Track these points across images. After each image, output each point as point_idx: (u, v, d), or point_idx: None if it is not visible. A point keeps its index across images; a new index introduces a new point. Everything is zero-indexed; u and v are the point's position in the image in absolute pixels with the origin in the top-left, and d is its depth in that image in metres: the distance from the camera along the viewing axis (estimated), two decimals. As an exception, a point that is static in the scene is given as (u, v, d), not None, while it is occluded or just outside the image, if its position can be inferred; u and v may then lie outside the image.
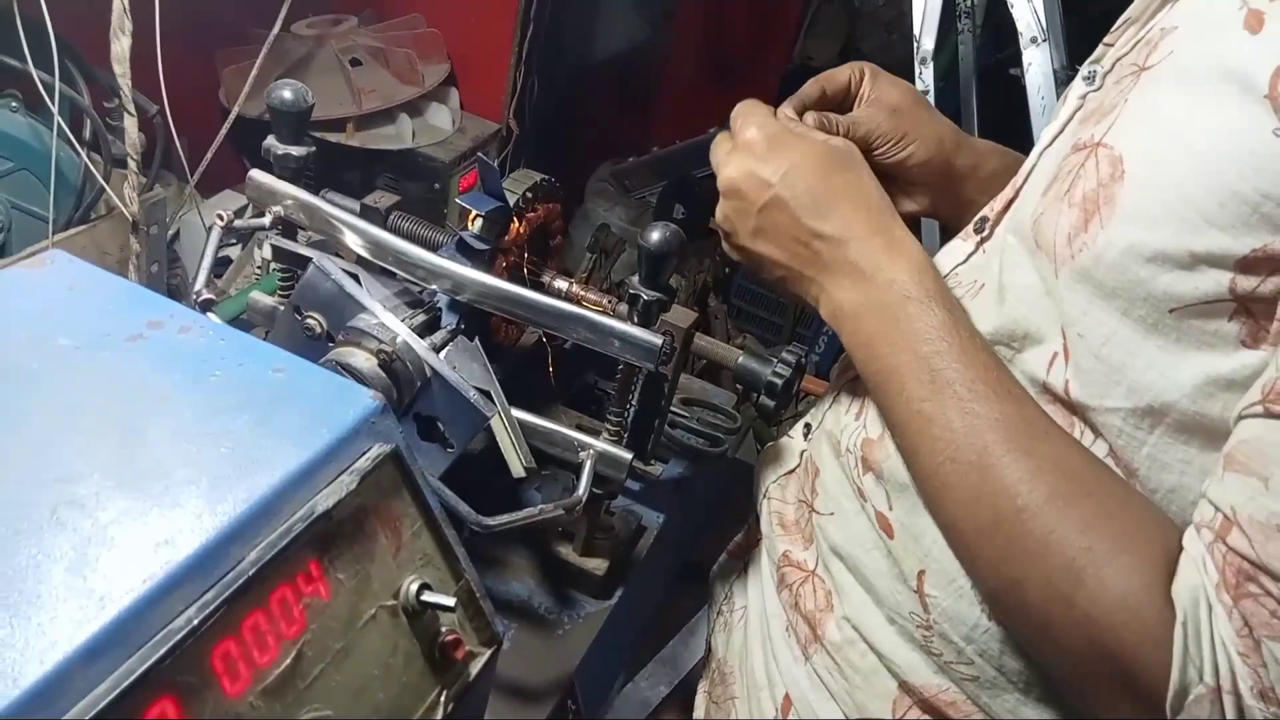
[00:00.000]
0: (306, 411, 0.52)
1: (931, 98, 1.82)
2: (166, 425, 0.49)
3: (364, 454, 0.51)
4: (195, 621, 0.41)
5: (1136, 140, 0.54)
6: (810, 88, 0.79)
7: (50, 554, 0.41)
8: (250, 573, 0.44)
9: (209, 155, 1.24)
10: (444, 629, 0.53)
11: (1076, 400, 0.57)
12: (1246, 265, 0.48)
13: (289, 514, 0.47)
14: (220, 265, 1.34)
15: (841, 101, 0.80)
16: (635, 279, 0.78)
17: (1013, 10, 1.65)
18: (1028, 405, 0.57)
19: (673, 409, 1.15)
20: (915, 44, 1.83)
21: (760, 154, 0.67)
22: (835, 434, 0.76)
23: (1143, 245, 0.51)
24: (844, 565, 0.73)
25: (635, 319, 0.78)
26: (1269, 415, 0.46)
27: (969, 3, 1.96)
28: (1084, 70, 0.65)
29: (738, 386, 1.26)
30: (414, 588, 0.51)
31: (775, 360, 0.88)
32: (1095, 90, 0.63)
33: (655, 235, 0.76)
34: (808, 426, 0.84)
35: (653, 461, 0.88)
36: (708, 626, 0.96)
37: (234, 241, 1.36)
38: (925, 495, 0.62)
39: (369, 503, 0.51)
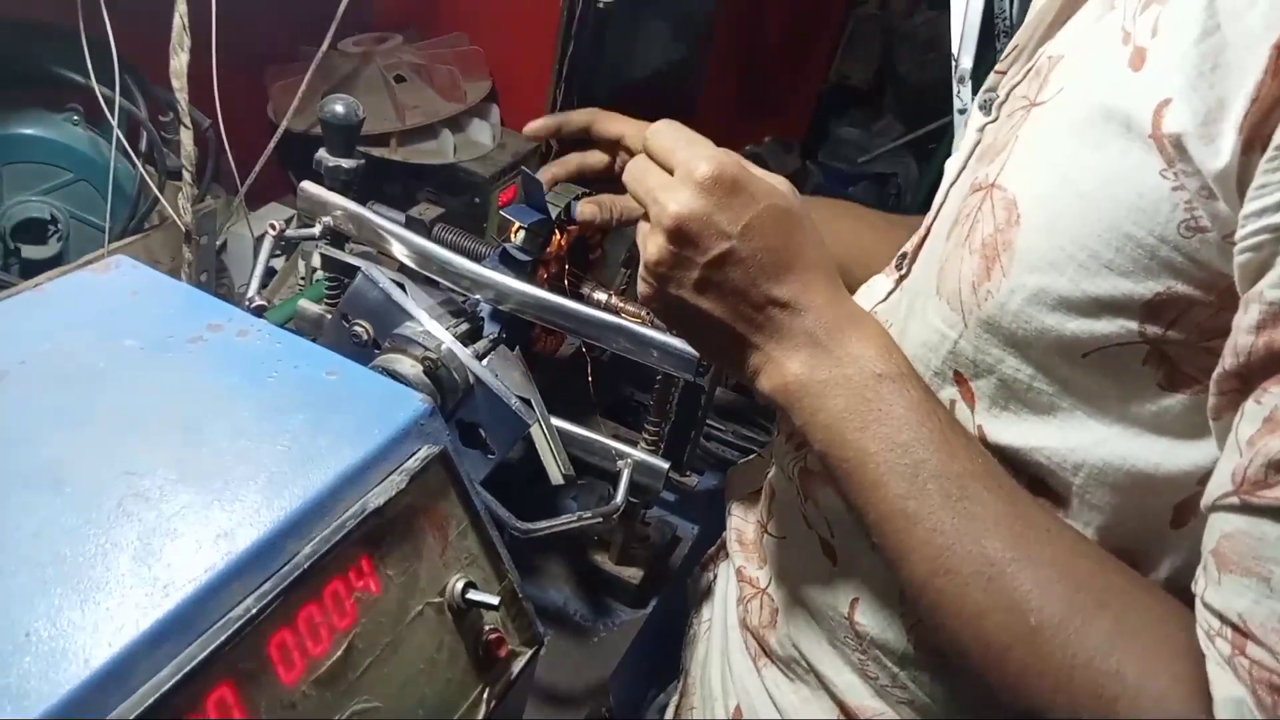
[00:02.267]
0: (359, 413, 0.53)
1: (970, 117, 1.82)
2: (226, 423, 0.51)
3: (413, 455, 0.53)
4: (253, 611, 0.43)
5: (1029, 183, 0.52)
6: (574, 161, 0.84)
7: (117, 543, 0.43)
8: (305, 566, 0.45)
9: (257, 168, 1.27)
10: (487, 627, 0.54)
11: (996, 444, 0.55)
12: (1152, 310, 0.47)
13: (342, 510, 0.49)
14: (265, 276, 1.37)
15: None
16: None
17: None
18: (1021, 499, 0.52)
19: (710, 422, 1.16)
20: (954, 62, 1.83)
21: (720, 198, 0.55)
22: (780, 461, 0.77)
23: (1045, 293, 0.50)
24: (788, 587, 0.73)
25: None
26: (1248, 509, 0.42)
27: (1008, 21, 1.97)
28: (979, 99, 0.62)
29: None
30: (459, 586, 0.52)
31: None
32: (992, 122, 0.60)
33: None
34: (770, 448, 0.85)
35: (688, 473, 0.89)
36: (685, 634, 0.96)
37: (279, 253, 1.39)
38: (918, 605, 0.54)
39: (418, 502, 0.52)
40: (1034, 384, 0.52)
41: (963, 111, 1.94)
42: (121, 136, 0.96)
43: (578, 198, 0.92)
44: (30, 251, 0.98)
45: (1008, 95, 0.58)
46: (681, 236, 0.56)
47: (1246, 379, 0.43)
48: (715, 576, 0.90)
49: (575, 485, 0.96)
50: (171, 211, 0.99)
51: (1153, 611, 0.48)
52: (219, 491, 0.47)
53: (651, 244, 0.57)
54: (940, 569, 0.50)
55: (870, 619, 0.64)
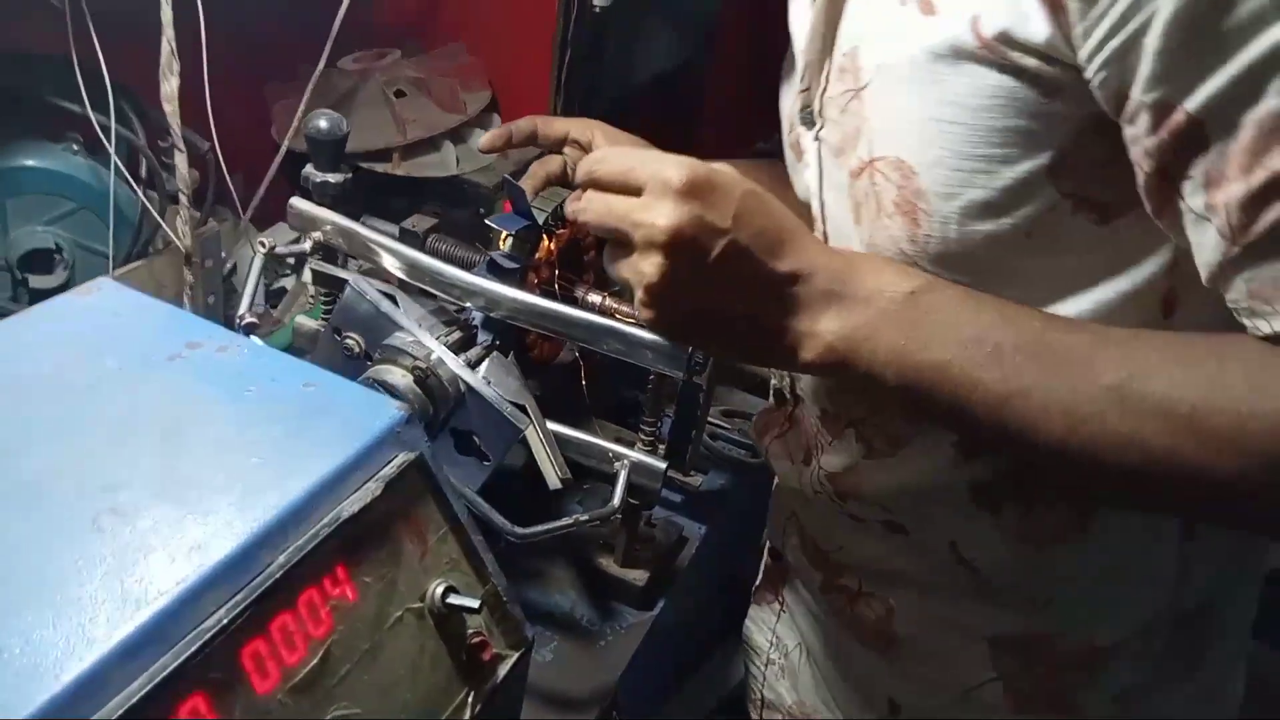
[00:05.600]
0: (335, 423, 0.54)
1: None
2: (202, 437, 0.51)
3: (389, 462, 0.53)
4: (225, 621, 0.43)
5: (903, 139, 0.58)
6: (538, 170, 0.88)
7: (91, 559, 0.44)
8: (277, 575, 0.46)
9: (261, 189, 1.29)
10: (471, 631, 0.54)
11: None
12: (1055, 171, 0.54)
13: (317, 520, 0.49)
14: (276, 296, 1.39)
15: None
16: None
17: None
18: (1089, 325, 0.56)
19: (715, 421, 1.16)
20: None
21: (704, 198, 0.55)
22: (794, 485, 0.79)
23: (970, 207, 0.56)
24: (881, 576, 0.75)
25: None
26: (1252, 250, 0.47)
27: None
28: (799, 118, 0.69)
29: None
30: (439, 591, 0.53)
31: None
32: (822, 129, 0.66)
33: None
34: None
35: (693, 473, 0.89)
36: (755, 684, 0.96)
37: (289, 272, 1.41)
38: (1071, 469, 0.55)
39: (395, 508, 0.53)
40: (1003, 295, 0.56)
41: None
42: (120, 164, 0.97)
43: (565, 203, 0.92)
44: (37, 281, 1.00)
45: (822, 102, 0.65)
46: (680, 247, 0.55)
47: (1167, 171, 0.49)
48: (784, 604, 0.91)
49: (579, 490, 0.96)
50: (172, 235, 1.00)
51: (1233, 341, 0.50)
52: (194, 504, 0.47)
53: (648, 266, 0.56)
54: (1076, 421, 0.51)
55: (975, 547, 0.68)
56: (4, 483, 0.47)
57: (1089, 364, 0.51)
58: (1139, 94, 0.48)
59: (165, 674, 0.41)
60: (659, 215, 0.55)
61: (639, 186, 0.56)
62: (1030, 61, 0.52)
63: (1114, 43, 0.48)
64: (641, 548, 0.92)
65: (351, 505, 0.50)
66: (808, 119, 0.67)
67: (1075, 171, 0.55)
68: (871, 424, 0.70)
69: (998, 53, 0.52)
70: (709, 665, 1.12)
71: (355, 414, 0.55)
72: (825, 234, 0.69)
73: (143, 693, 0.40)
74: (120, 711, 0.39)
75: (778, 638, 0.92)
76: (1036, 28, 0.50)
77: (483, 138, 0.93)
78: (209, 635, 0.43)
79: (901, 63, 0.57)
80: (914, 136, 0.58)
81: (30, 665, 0.39)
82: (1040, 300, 0.57)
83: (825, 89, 0.65)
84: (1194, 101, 0.46)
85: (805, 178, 0.70)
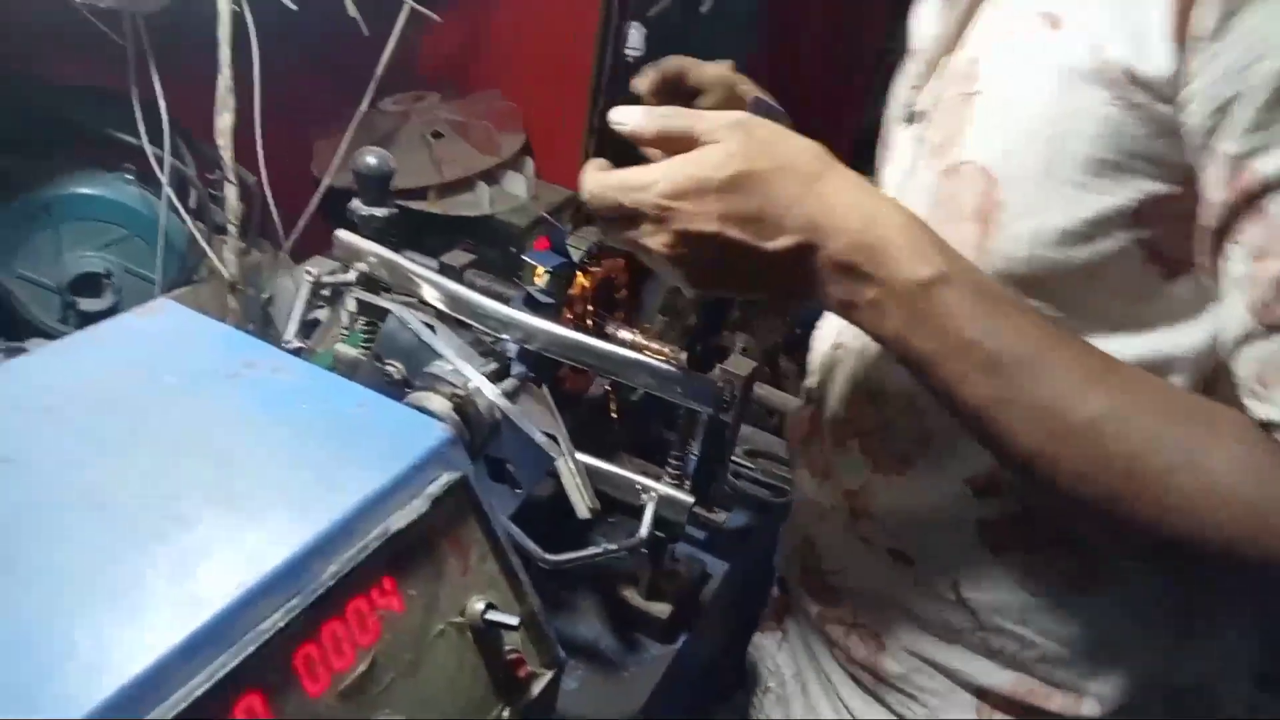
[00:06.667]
0: (384, 442, 0.56)
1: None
2: (259, 452, 0.54)
3: (435, 480, 0.55)
4: (280, 625, 0.45)
5: (995, 149, 0.60)
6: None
7: (155, 563, 0.46)
8: (329, 584, 0.47)
9: (301, 223, 1.33)
10: (508, 648, 0.56)
11: None
12: (1139, 216, 0.55)
13: (365, 533, 0.51)
14: (309, 327, 1.42)
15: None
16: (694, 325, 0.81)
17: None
18: (1098, 352, 0.54)
19: (738, 460, 1.17)
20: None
21: (688, 204, 0.55)
22: (812, 497, 0.79)
23: (1043, 231, 0.57)
24: (877, 608, 0.75)
25: (693, 366, 0.82)
26: (1273, 329, 0.47)
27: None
28: (901, 114, 0.72)
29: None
30: (480, 606, 0.54)
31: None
32: (924, 127, 0.68)
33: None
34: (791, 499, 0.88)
35: (716, 510, 0.90)
36: (752, 710, 0.96)
37: (322, 305, 1.44)
38: (1031, 474, 0.54)
39: (439, 525, 0.55)
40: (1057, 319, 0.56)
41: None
42: (171, 194, 1.01)
43: (598, 243, 0.95)
44: (87, 304, 1.03)
45: (935, 102, 0.66)
46: (679, 260, 0.57)
47: (1224, 229, 0.50)
48: (786, 633, 0.91)
49: (605, 522, 0.98)
50: (218, 263, 1.04)
51: (1230, 416, 0.50)
52: (251, 514, 0.49)
53: (655, 241, 0.57)
54: (1048, 443, 0.51)
55: (977, 589, 0.67)
56: (72, 491, 0.49)
57: (1081, 394, 0.51)
58: (1223, 143, 0.48)
59: (224, 673, 0.43)
60: (650, 239, 0.57)
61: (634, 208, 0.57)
62: (1144, 96, 0.52)
63: (1223, 85, 0.47)
64: (665, 582, 0.93)
65: (399, 520, 0.52)
66: (910, 115, 0.69)
67: (1159, 221, 0.55)
68: (876, 438, 0.71)
69: (1114, 83, 0.52)
70: (729, 705, 1.12)
71: (403, 434, 0.57)
72: None
73: (202, 690, 0.42)
74: (181, 707, 0.41)
75: (777, 665, 0.92)
76: (1159, 61, 0.50)
77: (636, 78, 0.87)
78: (265, 638, 0.44)
79: (1019, 75, 0.58)
80: (1009, 148, 0.58)
81: (98, 661, 0.41)
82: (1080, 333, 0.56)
83: (938, 89, 0.67)
84: (1271, 165, 0.46)
85: (886, 172, 0.72)
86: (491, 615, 0.54)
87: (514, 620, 0.54)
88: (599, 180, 0.59)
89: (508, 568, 0.58)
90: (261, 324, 1.24)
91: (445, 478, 0.56)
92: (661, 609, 0.92)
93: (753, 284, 0.59)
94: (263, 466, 0.53)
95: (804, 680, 0.87)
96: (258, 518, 0.49)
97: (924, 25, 0.72)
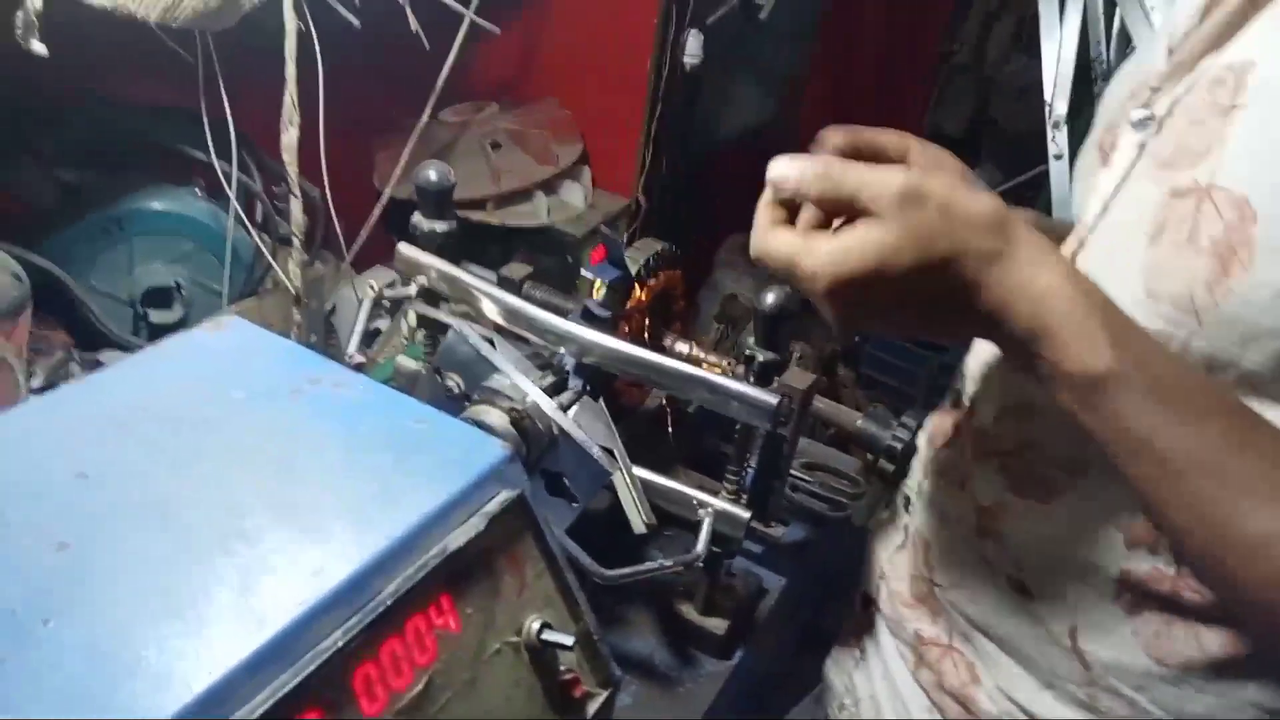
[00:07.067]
0: (443, 458, 0.56)
1: (1064, 161, 1.80)
2: (321, 467, 0.54)
3: (493, 498, 0.56)
4: (341, 644, 0.46)
5: (1260, 178, 0.53)
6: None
7: (220, 577, 0.47)
8: (389, 602, 0.48)
9: (363, 234, 1.35)
10: (563, 668, 0.56)
11: None
12: None
13: (424, 550, 0.51)
14: (370, 337, 1.44)
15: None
16: (751, 340, 0.80)
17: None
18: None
19: (796, 473, 1.16)
20: (1048, 108, 1.81)
21: (857, 288, 0.53)
22: (940, 504, 0.75)
23: None
24: (984, 635, 0.71)
25: (751, 379, 0.81)
26: None
27: (1105, 65, 1.94)
28: (1135, 116, 0.62)
29: (868, 456, 1.26)
30: (536, 626, 0.54)
31: (896, 424, 0.88)
32: (1155, 135, 0.61)
33: (771, 297, 0.79)
34: (907, 499, 0.83)
35: (774, 524, 0.89)
36: None
37: (383, 314, 1.46)
38: (1206, 579, 0.55)
39: (496, 543, 0.55)
40: (1277, 377, 0.53)
41: (1059, 157, 1.91)
42: (239, 208, 1.04)
43: (657, 254, 0.95)
44: (157, 316, 1.06)
45: (1171, 109, 0.59)
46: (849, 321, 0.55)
47: None
48: (864, 653, 0.88)
49: (661, 536, 0.98)
50: (283, 276, 1.06)
51: None
52: (313, 530, 0.50)
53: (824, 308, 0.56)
54: (1217, 546, 0.50)
55: (1098, 643, 0.63)
56: (139, 504, 0.50)
57: (1256, 508, 0.49)
58: None
59: (285, 691, 0.43)
60: (821, 307, 0.55)
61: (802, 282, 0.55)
62: None
63: None
64: (722, 597, 0.92)
65: (458, 538, 0.52)
66: (1142, 122, 0.62)
67: None
68: (1021, 458, 0.67)
69: None
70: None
71: (462, 451, 0.57)
72: (1083, 244, 0.64)
73: (265, 707, 0.42)
74: (245, 722, 0.42)
75: (852, 684, 0.91)
76: None
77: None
78: (325, 656, 0.45)
79: None
80: (1276, 178, 0.52)
81: (165, 673, 0.42)
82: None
83: (1183, 96, 0.59)
84: None
85: (1098, 180, 0.64)
86: (547, 635, 0.54)
87: (569, 640, 0.54)
88: (766, 243, 0.57)
89: (563, 586, 0.58)
90: (324, 334, 1.26)
91: (503, 495, 0.56)
92: (717, 624, 0.91)
93: (924, 334, 0.59)
94: (324, 482, 0.53)
95: (879, 705, 0.85)
96: (320, 533, 0.50)
97: (1180, 15, 0.63)
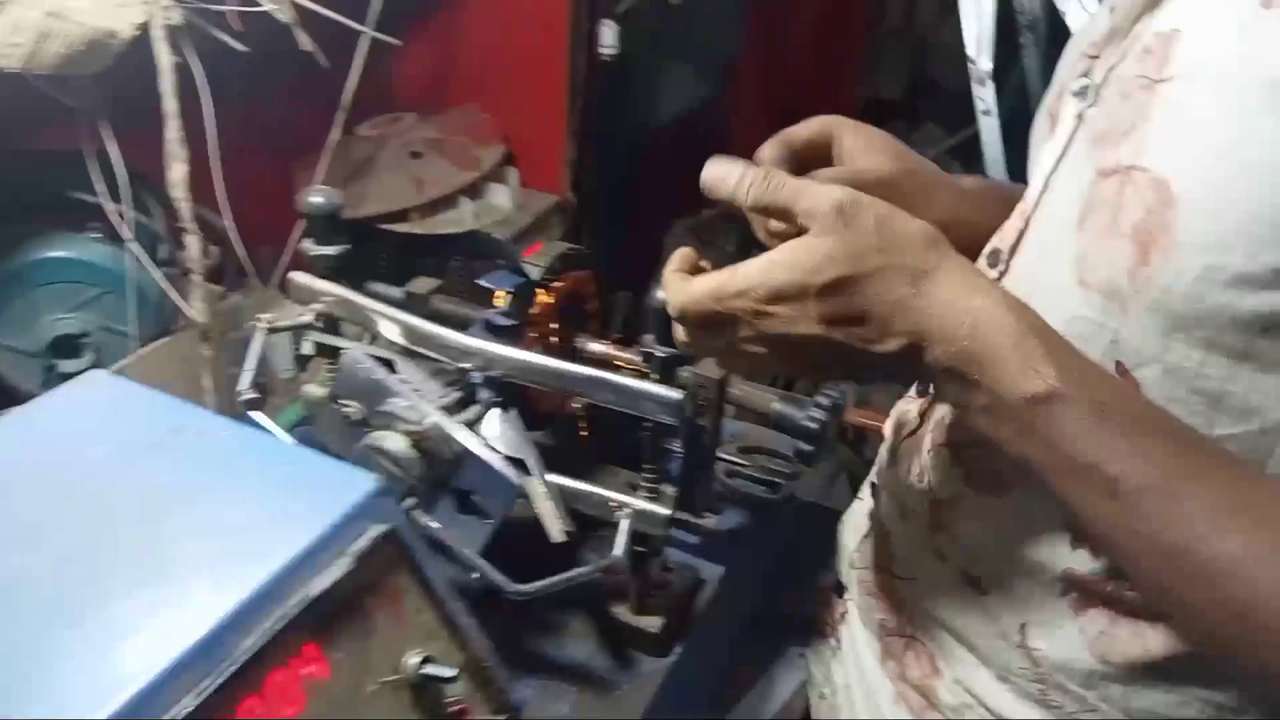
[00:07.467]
0: (309, 500, 0.55)
1: (993, 117, 1.79)
2: (181, 522, 0.53)
3: (361, 535, 0.54)
4: (190, 710, 0.45)
5: (1179, 160, 0.49)
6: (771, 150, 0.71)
7: (69, 652, 0.46)
8: (242, 660, 0.47)
9: (285, 257, 1.33)
10: (449, 699, 0.55)
11: None
12: None
13: (287, 598, 0.50)
14: (303, 360, 1.43)
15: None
16: (649, 338, 0.79)
17: (1065, 17, 1.62)
18: (1237, 482, 0.49)
19: (731, 458, 1.15)
20: (970, 64, 1.80)
21: (787, 304, 0.52)
22: (900, 495, 0.74)
23: (1216, 270, 0.48)
24: (941, 628, 0.71)
25: (657, 376, 0.80)
26: None
27: (1029, 16, 1.93)
28: (1073, 85, 0.60)
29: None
30: (415, 661, 0.53)
31: (810, 404, 0.87)
32: (1091, 106, 0.58)
33: (662, 292, 0.77)
34: (874, 486, 0.82)
35: (705, 514, 0.89)
36: (811, 710, 0.94)
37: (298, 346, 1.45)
38: (1157, 604, 0.54)
39: (367, 581, 0.54)
40: (1203, 370, 0.50)
41: (987, 113, 1.90)
42: (137, 248, 1.02)
43: (561, 255, 0.94)
44: (67, 365, 1.04)
45: (1106, 77, 0.56)
46: (775, 342, 0.54)
47: None
48: (839, 640, 0.88)
49: (595, 537, 0.97)
50: (189, 311, 1.04)
51: None
52: (170, 589, 0.49)
53: (752, 346, 0.55)
54: (1172, 574, 0.48)
55: (1046, 640, 0.62)
56: (-11, 581, 0.49)
57: (1211, 534, 0.46)
58: None
59: (133, 764, 0.42)
60: (747, 345, 0.54)
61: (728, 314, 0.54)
62: None
63: None
64: (655, 594, 0.92)
65: (321, 582, 0.51)
66: (1082, 91, 0.58)
67: None
68: (977, 451, 0.65)
69: None
70: (738, 708, 1.11)
71: (329, 490, 0.56)
72: (1027, 223, 0.62)
73: (110, 784, 0.41)
74: (86, 803, 0.41)
75: (830, 673, 0.90)
76: None
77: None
78: (177, 724, 0.44)
79: (1230, 72, 0.48)
80: (1200, 164, 0.48)
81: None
82: (1217, 396, 0.51)
83: (1115, 65, 0.56)
84: None
85: (1043, 153, 0.61)
86: (428, 669, 0.53)
87: (451, 672, 0.53)
88: (686, 291, 0.55)
89: (445, 616, 0.57)
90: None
91: (372, 531, 0.55)
92: (652, 622, 0.90)
93: (858, 376, 0.57)
94: (184, 539, 0.52)
95: (852, 694, 0.85)
96: (177, 593, 0.49)
97: None
